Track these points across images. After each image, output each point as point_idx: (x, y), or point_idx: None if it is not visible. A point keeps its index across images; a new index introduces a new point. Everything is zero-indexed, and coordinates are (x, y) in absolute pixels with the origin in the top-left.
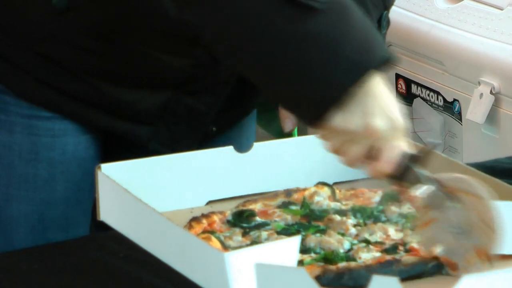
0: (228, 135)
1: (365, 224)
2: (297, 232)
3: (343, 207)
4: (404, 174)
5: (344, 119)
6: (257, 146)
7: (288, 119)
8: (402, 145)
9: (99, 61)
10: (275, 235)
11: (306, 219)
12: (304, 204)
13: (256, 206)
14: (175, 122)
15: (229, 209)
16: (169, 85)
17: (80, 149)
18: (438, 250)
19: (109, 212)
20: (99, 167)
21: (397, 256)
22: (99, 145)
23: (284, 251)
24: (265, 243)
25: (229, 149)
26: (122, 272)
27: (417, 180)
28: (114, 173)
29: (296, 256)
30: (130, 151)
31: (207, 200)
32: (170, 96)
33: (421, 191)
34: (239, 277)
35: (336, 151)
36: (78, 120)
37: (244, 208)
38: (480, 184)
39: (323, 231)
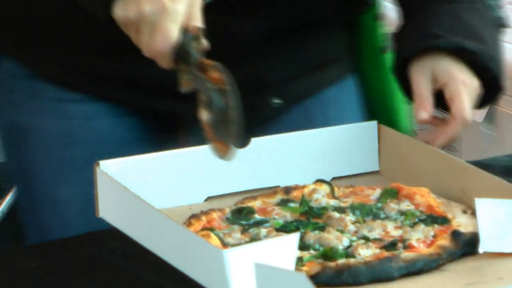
0: (306, 108)
1: (364, 221)
2: (296, 229)
3: (342, 205)
4: (178, 55)
5: (123, 9)
6: (255, 141)
7: (420, 109)
8: (172, 27)
9: (110, 36)
10: (274, 232)
11: (305, 217)
12: (303, 201)
13: (255, 204)
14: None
15: (228, 206)
16: None
17: (119, 131)
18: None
19: (108, 209)
20: (98, 164)
21: (396, 253)
22: (148, 127)
23: (283, 248)
24: (264, 240)
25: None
26: (121, 269)
27: (188, 62)
28: (113, 170)
29: (295, 253)
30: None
31: (206, 196)
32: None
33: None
34: (238, 274)
35: (138, 44)
36: (111, 101)
37: (243, 205)
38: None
39: (322, 228)
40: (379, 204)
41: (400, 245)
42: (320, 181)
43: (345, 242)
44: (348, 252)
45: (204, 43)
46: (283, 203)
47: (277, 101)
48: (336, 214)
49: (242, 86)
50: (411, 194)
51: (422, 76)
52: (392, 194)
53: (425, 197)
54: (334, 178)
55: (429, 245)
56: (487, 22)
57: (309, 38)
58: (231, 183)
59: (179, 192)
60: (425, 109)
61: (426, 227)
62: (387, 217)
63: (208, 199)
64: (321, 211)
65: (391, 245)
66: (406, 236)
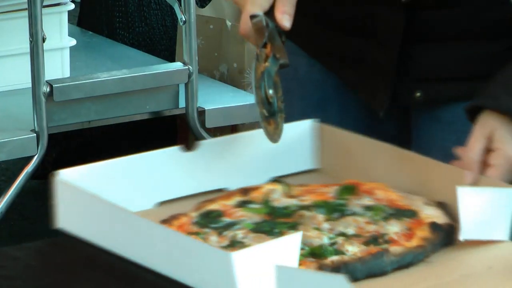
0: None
1: (334, 219)
2: (270, 229)
3: (305, 203)
4: (257, 33)
5: None
6: (203, 144)
7: (468, 173)
8: (252, 9)
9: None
10: (251, 234)
11: (270, 217)
12: (265, 202)
13: (214, 206)
14: (363, 71)
15: (187, 211)
16: (353, 31)
17: (314, 71)
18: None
19: (70, 219)
20: (55, 174)
21: (381, 247)
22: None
23: (287, 247)
24: (269, 241)
25: (175, 149)
26: (119, 269)
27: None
28: (69, 179)
29: (298, 251)
30: None
31: (154, 202)
32: (359, 44)
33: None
34: (246, 275)
35: None
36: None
37: (206, 208)
38: None
39: (293, 227)
40: (343, 201)
41: (381, 240)
42: (275, 181)
43: (325, 239)
44: (336, 249)
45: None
46: (244, 205)
47: (418, 94)
48: (307, 213)
49: (392, 72)
50: (371, 189)
51: (481, 131)
52: (350, 190)
53: (386, 192)
54: (278, 177)
55: (408, 238)
56: None
57: (475, 48)
58: (181, 187)
59: (128, 199)
60: (473, 171)
61: (399, 221)
62: (353, 213)
63: (161, 204)
64: (284, 211)
65: (374, 240)
66: (383, 230)
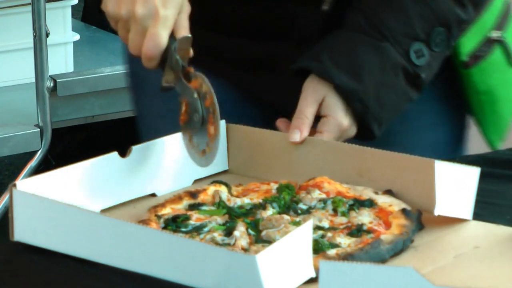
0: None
1: (303, 213)
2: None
3: (257, 201)
4: (163, 60)
5: (116, 5)
6: (134, 150)
7: (296, 130)
8: (162, 33)
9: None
10: (234, 240)
11: (229, 217)
12: (221, 203)
13: (166, 211)
14: (276, 76)
15: (145, 217)
16: (271, 36)
17: (216, 92)
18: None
19: (32, 230)
20: (14, 185)
21: (368, 237)
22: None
23: (301, 238)
24: (285, 236)
25: (114, 155)
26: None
27: (175, 68)
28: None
29: (311, 239)
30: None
31: (98, 210)
32: (274, 48)
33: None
34: (270, 275)
35: (125, 41)
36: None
37: (159, 213)
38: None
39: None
40: (294, 197)
41: (361, 230)
42: (217, 182)
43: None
44: (331, 243)
45: (190, 51)
46: (196, 207)
47: None
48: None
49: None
50: (318, 183)
51: (312, 97)
52: (290, 188)
53: (332, 184)
54: (196, 181)
55: (387, 227)
56: (386, 64)
57: None
58: (117, 194)
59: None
60: (301, 131)
61: (367, 211)
62: (311, 207)
63: (101, 212)
64: (240, 210)
65: (357, 232)
66: (356, 221)
